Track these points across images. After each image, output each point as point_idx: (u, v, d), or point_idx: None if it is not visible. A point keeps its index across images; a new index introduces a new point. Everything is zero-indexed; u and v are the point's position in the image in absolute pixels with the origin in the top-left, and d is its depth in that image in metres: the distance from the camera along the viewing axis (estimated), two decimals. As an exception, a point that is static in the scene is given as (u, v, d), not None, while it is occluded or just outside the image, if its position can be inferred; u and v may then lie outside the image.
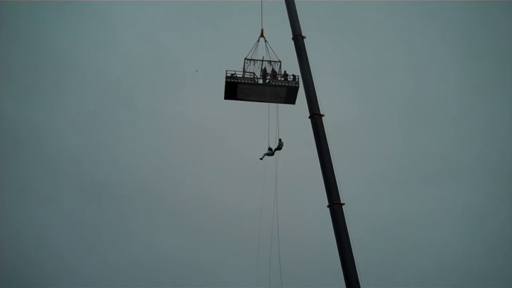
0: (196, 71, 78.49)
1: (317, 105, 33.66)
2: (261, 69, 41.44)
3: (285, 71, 41.74)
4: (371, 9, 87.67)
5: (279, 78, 40.96)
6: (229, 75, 40.88)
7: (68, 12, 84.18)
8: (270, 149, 39.43)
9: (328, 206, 31.55)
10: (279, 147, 39.27)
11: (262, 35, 42.11)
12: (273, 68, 41.45)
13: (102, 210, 75.11)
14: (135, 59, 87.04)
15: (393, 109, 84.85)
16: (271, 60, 41.71)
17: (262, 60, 41.59)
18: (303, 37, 36.87)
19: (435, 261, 70.01)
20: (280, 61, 41.69)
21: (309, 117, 33.43)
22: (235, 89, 41.09)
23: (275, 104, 40.62)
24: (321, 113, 33.23)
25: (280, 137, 38.81)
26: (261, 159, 38.94)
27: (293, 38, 37.38)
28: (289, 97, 41.56)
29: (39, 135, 77.90)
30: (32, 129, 77.90)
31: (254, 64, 41.59)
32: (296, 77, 40.58)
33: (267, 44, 41.96)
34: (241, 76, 40.70)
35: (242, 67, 41.38)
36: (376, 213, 72.77)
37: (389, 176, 79.12)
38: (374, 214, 72.07)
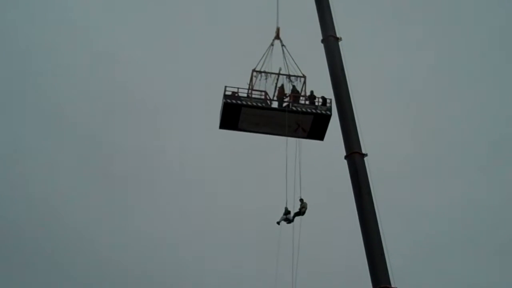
0: None
1: (358, 140, 28.76)
2: (276, 86, 34.66)
3: (311, 92, 34.10)
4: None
5: (302, 101, 34.00)
6: (229, 93, 33.37)
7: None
8: (287, 212, 31.85)
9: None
10: (300, 212, 31.60)
11: (277, 37, 35.24)
12: (293, 86, 34.49)
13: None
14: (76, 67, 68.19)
15: (452, 147, 68.48)
16: (291, 74, 34.59)
17: (278, 74, 34.59)
18: (337, 39, 31.43)
19: None
20: (304, 76, 34.34)
21: (345, 157, 28.46)
22: (237, 114, 33.79)
23: (293, 138, 33.84)
24: (363, 151, 28.28)
25: (301, 197, 31.51)
26: (278, 223, 32.07)
27: (322, 40, 31.76)
28: (316, 130, 34.12)
29: None
30: None
31: (266, 79, 34.59)
32: (328, 100, 33.26)
33: (285, 49, 34.89)
34: (247, 96, 33.62)
35: (248, 82, 34.06)
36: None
37: (445, 241, 62.03)
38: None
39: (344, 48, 31.53)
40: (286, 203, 31.61)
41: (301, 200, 31.49)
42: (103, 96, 68.23)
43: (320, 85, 33.58)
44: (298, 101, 33.94)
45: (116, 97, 68.82)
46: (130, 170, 64.15)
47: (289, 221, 31.92)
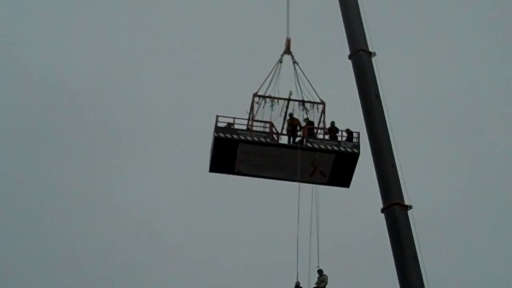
0: None
1: (399, 187, 25.57)
2: (286, 116, 31.05)
3: (332, 123, 30.77)
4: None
5: (320, 136, 30.44)
6: (222, 125, 29.93)
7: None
8: None
9: None
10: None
11: (288, 51, 31.90)
12: (307, 117, 31.03)
13: None
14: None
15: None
16: (306, 100, 31.07)
17: (288, 100, 30.98)
18: (370, 54, 28.82)
19: None
20: (323, 103, 30.86)
21: (383, 210, 25.27)
22: (232, 153, 29.97)
23: (308, 185, 30.10)
24: (406, 202, 25.19)
25: (320, 267, 27.12)
26: None
27: (350, 56, 29.15)
28: (339, 173, 30.44)
29: None
30: None
31: (271, 106, 30.90)
32: (355, 134, 30.20)
33: (297, 67, 31.48)
34: (246, 128, 29.96)
35: (248, 111, 30.43)
36: None
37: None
38: None
39: (379, 66, 27.88)
40: (297, 276, 26.65)
41: (320, 271, 26.60)
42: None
43: (345, 115, 31.47)
44: (315, 135, 30.19)
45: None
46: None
47: None
